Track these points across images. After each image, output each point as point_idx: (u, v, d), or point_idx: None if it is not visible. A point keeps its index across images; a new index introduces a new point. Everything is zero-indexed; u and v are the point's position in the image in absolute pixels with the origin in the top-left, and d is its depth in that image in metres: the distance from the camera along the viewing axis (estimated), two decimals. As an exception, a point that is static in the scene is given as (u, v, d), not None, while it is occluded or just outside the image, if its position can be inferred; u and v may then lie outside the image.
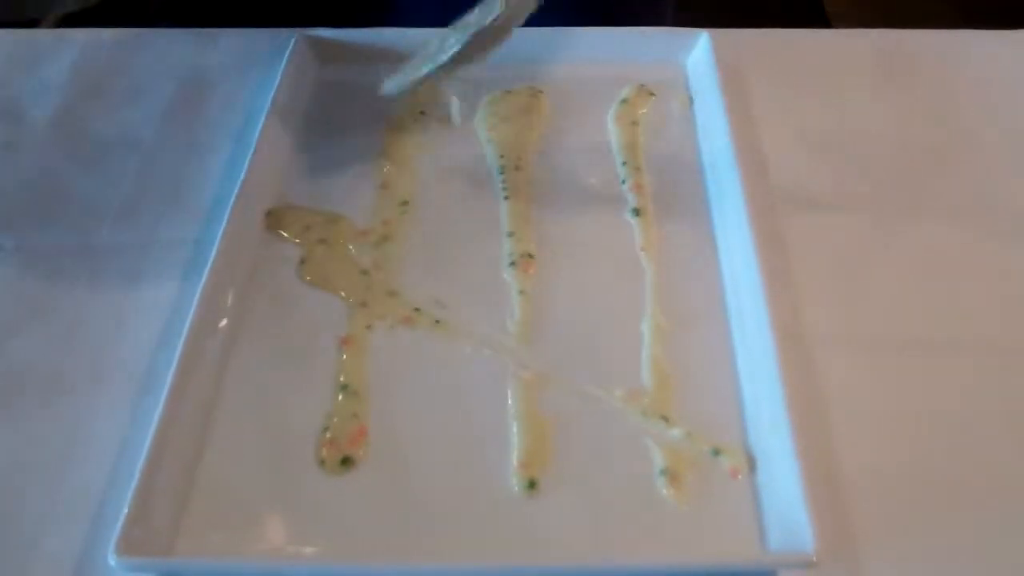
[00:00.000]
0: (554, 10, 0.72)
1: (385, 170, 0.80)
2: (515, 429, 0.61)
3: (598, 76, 0.88)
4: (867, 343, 0.66)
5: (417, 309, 0.69)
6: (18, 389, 0.65)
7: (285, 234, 0.74)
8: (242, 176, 0.74)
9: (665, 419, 0.61)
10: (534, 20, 0.75)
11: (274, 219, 0.75)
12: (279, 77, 0.84)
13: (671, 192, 0.77)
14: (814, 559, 0.51)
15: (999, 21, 0.94)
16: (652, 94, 0.86)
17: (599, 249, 0.73)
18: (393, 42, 0.91)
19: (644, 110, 0.85)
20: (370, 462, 0.60)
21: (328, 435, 0.61)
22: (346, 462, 0.60)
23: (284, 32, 0.90)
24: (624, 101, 0.85)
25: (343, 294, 0.70)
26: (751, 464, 0.59)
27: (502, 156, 0.81)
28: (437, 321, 0.68)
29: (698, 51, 0.87)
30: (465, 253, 0.73)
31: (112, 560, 0.52)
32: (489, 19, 0.71)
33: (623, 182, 0.78)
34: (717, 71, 0.83)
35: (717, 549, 0.56)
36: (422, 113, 0.85)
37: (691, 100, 0.85)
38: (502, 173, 0.79)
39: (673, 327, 0.67)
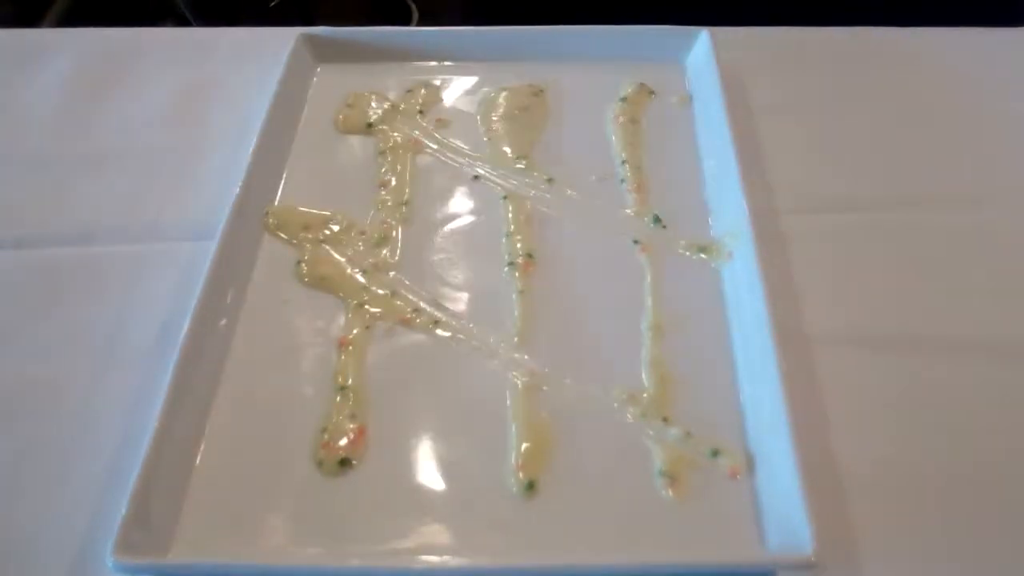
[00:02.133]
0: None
1: (384, 171, 0.80)
2: (514, 430, 0.61)
3: (598, 74, 0.88)
4: (866, 343, 0.66)
5: (416, 310, 0.69)
6: (18, 389, 0.65)
7: (284, 235, 0.74)
8: (242, 176, 0.73)
9: (664, 420, 0.61)
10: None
11: (273, 220, 0.75)
12: (279, 76, 0.84)
13: (670, 191, 0.77)
14: (813, 559, 0.51)
15: (999, 19, 0.94)
16: (652, 92, 0.86)
17: (598, 249, 0.73)
18: (392, 41, 0.91)
19: (644, 108, 0.85)
20: (368, 463, 0.60)
21: (326, 436, 0.61)
22: (344, 463, 0.60)
23: (284, 31, 0.90)
24: (624, 99, 0.85)
25: (342, 295, 0.70)
26: (750, 465, 0.59)
27: (502, 155, 0.81)
28: (436, 322, 0.68)
29: (698, 49, 0.87)
30: (464, 254, 0.73)
31: (110, 562, 0.52)
32: None
33: (622, 181, 0.78)
34: (717, 69, 0.82)
35: (716, 549, 0.56)
36: (421, 113, 0.85)
37: (691, 98, 0.85)
38: (502, 173, 0.79)
39: (672, 327, 0.67)
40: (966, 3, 0.93)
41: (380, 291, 0.70)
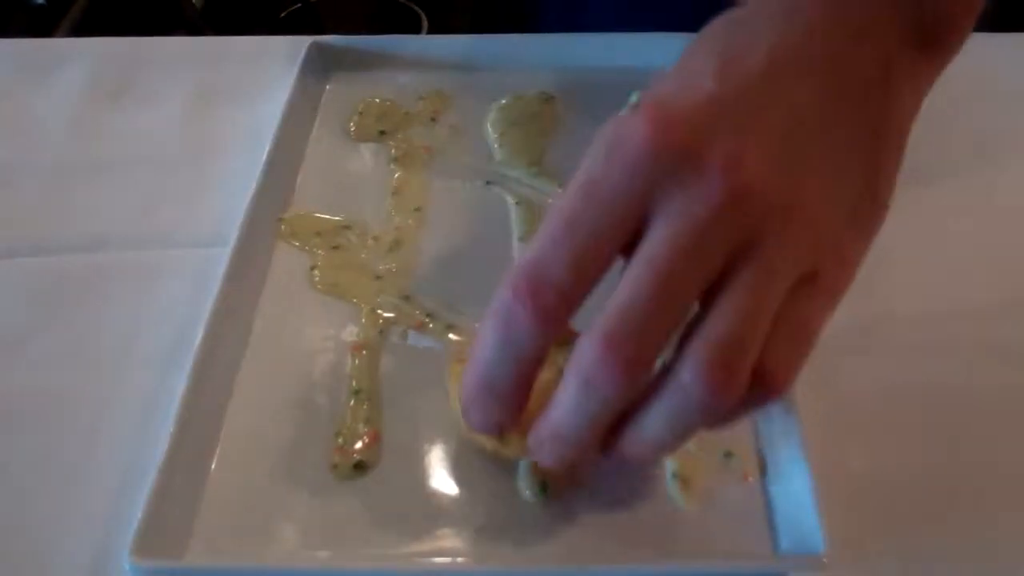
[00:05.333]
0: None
1: (397, 177, 0.80)
2: (527, 434, 0.61)
3: (608, 81, 0.87)
4: (877, 345, 0.67)
5: (430, 314, 0.69)
6: (34, 394, 0.66)
7: (297, 241, 0.74)
8: (255, 184, 0.74)
9: (676, 423, 0.61)
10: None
11: (287, 226, 0.75)
12: (292, 84, 0.84)
13: (681, 196, 0.77)
14: (825, 561, 0.52)
15: (1001, 24, 0.94)
16: (662, 98, 0.86)
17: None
18: (404, 49, 0.92)
19: (654, 115, 0.85)
20: (382, 468, 0.60)
21: (341, 441, 0.61)
22: (359, 467, 0.60)
23: (296, 40, 0.91)
24: (635, 105, 0.85)
25: (355, 300, 0.70)
26: (762, 467, 0.59)
27: (513, 161, 0.81)
28: (449, 326, 0.68)
29: (708, 55, 0.87)
30: (477, 258, 0.73)
31: (127, 564, 0.52)
32: None
33: (633, 187, 0.78)
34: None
35: (728, 551, 0.56)
36: (433, 120, 0.86)
37: (701, 104, 0.85)
38: (513, 178, 0.80)
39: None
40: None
41: (393, 297, 0.70)
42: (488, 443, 0.57)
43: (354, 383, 0.65)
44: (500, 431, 0.53)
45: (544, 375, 0.59)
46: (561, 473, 0.58)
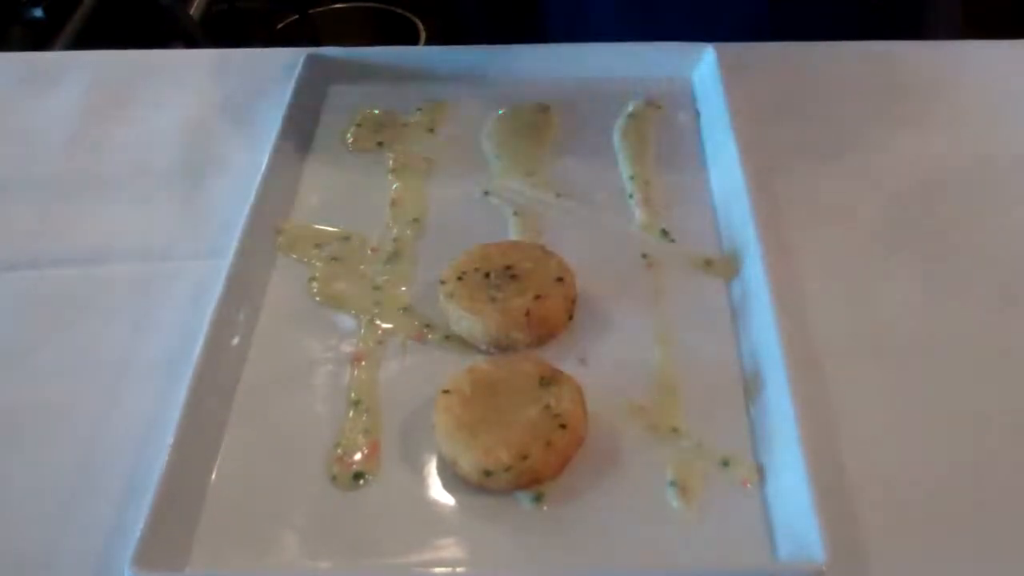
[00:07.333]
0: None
1: (395, 188, 0.81)
2: (525, 442, 0.62)
3: (605, 90, 0.88)
4: (875, 352, 0.67)
5: (428, 325, 0.69)
6: (34, 408, 0.66)
7: (296, 253, 0.75)
8: (254, 195, 0.74)
9: (674, 430, 0.62)
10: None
11: (286, 238, 0.75)
12: (289, 96, 0.85)
13: (678, 205, 0.77)
14: (823, 568, 0.52)
15: (1002, 31, 0.95)
16: (659, 107, 0.87)
17: (606, 263, 0.73)
18: (401, 60, 0.92)
19: (651, 124, 0.85)
20: (381, 478, 0.60)
21: (340, 451, 0.61)
22: (358, 477, 0.60)
23: (293, 51, 0.91)
24: (631, 115, 0.86)
25: (354, 311, 0.70)
26: (760, 474, 0.59)
27: (511, 172, 0.81)
28: (447, 336, 0.68)
29: (704, 65, 0.88)
30: (475, 268, 0.74)
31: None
32: None
33: (630, 195, 0.78)
34: (723, 84, 0.83)
35: (727, 559, 0.56)
36: (430, 131, 0.86)
37: (697, 113, 0.86)
38: (511, 188, 0.80)
39: (681, 339, 0.67)
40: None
41: (392, 307, 0.71)
42: (475, 479, 0.59)
43: (353, 394, 0.65)
44: None
45: (530, 411, 0.60)
46: None
